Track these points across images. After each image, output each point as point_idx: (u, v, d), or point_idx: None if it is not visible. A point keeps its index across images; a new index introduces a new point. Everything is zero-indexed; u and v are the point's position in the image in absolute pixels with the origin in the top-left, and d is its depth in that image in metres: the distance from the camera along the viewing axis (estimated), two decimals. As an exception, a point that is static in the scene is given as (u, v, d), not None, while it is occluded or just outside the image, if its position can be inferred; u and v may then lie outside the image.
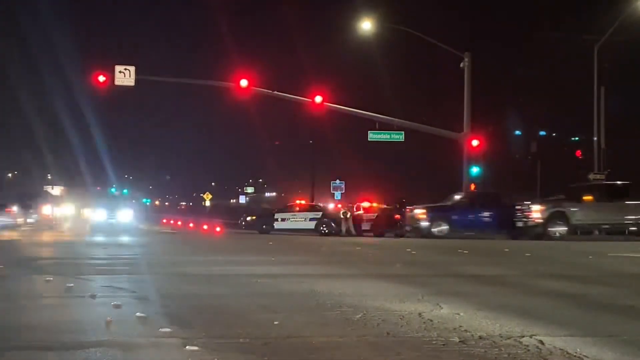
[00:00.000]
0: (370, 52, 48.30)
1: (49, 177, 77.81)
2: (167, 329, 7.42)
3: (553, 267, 17.00)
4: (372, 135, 42.88)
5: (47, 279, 11.97)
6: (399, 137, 42.81)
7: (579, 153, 45.97)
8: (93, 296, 9.84)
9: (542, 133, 47.91)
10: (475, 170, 41.31)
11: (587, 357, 6.44)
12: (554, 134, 52.88)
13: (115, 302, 9.11)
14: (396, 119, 42.90)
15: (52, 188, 72.87)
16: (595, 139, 41.61)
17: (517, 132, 53.38)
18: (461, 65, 41.64)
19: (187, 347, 6.57)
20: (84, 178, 75.49)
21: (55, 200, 51.39)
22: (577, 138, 48.16)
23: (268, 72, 46.66)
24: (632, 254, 21.41)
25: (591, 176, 40.86)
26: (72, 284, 11.17)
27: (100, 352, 6.43)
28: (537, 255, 21.11)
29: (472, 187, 41.28)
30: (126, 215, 41.36)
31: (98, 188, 76.16)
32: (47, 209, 44.15)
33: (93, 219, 41.59)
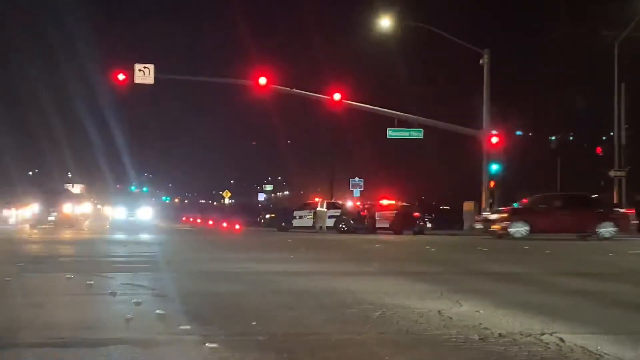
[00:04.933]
0: (389, 49, 48.21)
1: (69, 175, 78.29)
2: (187, 327, 7.43)
3: (573, 265, 16.91)
4: (391, 133, 42.76)
5: (68, 276, 12.03)
6: (418, 134, 42.67)
7: (599, 150, 45.59)
8: (113, 294, 9.88)
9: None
10: (495, 167, 41.11)
11: (608, 354, 6.39)
12: (570, 135, 52.32)
13: (135, 300, 9.15)
14: (415, 116, 42.79)
15: (73, 186, 73.31)
16: (615, 135, 41.30)
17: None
18: (480, 62, 41.47)
19: (206, 344, 6.58)
20: (104, 176, 75.93)
21: (75, 198, 51.60)
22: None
23: (287, 69, 46.60)
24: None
25: (612, 173, 40.62)
26: (92, 282, 11.22)
27: (120, 350, 6.45)
28: (557, 253, 20.98)
29: (492, 184, 41.09)
30: (146, 213, 41.58)
31: (118, 186, 76.59)
32: (67, 207, 44.34)
33: (113, 217, 41.84)
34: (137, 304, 8.91)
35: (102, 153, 67.89)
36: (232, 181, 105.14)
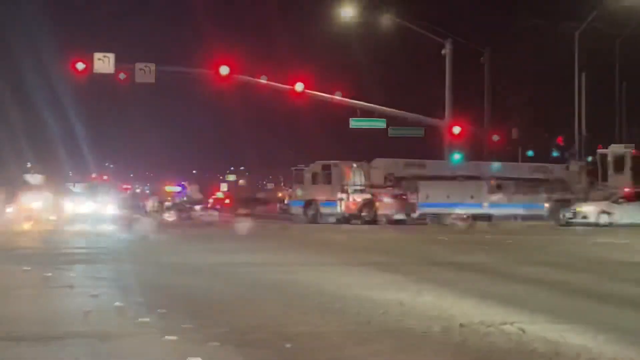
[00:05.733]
0: (352, 38, 47.75)
1: (28, 166, 77.28)
2: (146, 319, 7.33)
3: (536, 254, 17.08)
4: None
5: (25, 269, 11.83)
6: (380, 124, 42.47)
7: (560, 139, 45.80)
8: (71, 286, 9.73)
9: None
10: (457, 157, 41.22)
11: (569, 343, 6.42)
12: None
13: (93, 293, 9.02)
14: (378, 106, 42.67)
15: (32, 176, 72.31)
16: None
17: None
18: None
19: (165, 337, 6.49)
20: (64, 167, 74.93)
21: (35, 189, 50.85)
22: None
23: (249, 59, 45.92)
24: (615, 240, 21.55)
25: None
26: (50, 274, 11.05)
27: (77, 343, 6.34)
28: (518, 242, 21.19)
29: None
30: (107, 203, 41.15)
31: (78, 177, 75.72)
32: (26, 199, 43.68)
33: (73, 208, 41.31)
34: (95, 296, 8.78)
35: (62, 143, 66.97)
36: (194, 171, 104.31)
